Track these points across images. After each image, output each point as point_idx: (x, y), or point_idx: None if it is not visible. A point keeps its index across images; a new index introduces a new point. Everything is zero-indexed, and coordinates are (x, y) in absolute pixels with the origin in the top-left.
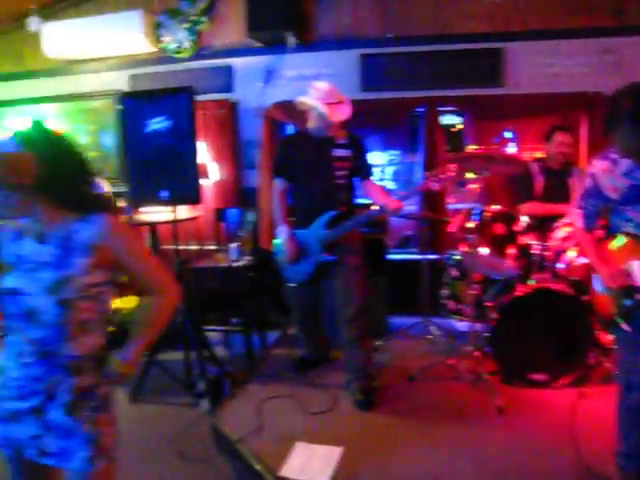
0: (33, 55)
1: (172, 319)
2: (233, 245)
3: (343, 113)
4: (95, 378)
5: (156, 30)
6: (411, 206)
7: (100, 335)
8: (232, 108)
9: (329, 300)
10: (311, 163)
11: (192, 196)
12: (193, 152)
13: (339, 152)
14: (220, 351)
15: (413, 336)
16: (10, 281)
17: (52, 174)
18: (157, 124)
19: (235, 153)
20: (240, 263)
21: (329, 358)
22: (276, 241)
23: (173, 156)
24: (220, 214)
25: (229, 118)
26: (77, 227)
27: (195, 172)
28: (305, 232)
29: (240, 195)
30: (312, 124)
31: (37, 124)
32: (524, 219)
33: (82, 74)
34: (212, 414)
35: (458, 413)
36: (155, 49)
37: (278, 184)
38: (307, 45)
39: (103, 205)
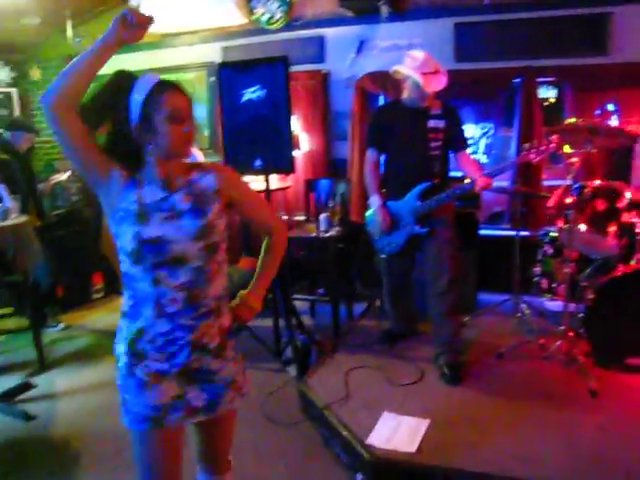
0: None
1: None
2: (322, 216)
3: (439, 83)
4: (230, 318)
5: (248, 2)
6: (503, 181)
7: (224, 275)
8: (323, 79)
9: (420, 273)
10: (405, 134)
11: (286, 165)
12: (287, 121)
13: (434, 123)
14: (306, 320)
15: (502, 313)
16: (152, 230)
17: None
18: (252, 94)
19: (326, 124)
20: (329, 234)
21: (416, 331)
22: (368, 212)
23: (268, 125)
24: (310, 185)
25: (320, 89)
26: (196, 176)
27: (289, 141)
28: (398, 203)
29: (330, 166)
30: (407, 94)
31: None
32: (628, 195)
33: (177, 47)
34: (299, 381)
35: (548, 394)
36: (247, 21)
37: (371, 154)
38: (400, 14)
39: None
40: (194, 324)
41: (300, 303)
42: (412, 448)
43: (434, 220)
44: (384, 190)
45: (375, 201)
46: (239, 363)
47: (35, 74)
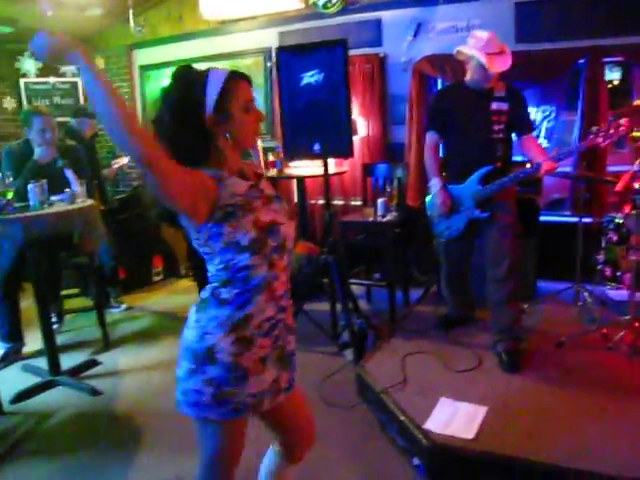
0: (191, 18)
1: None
2: (380, 200)
3: (504, 64)
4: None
5: None
6: (566, 167)
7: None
8: (380, 62)
9: (479, 258)
10: (467, 116)
11: (344, 150)
12: (346, 105)
13: (497, 105)
14: (363, 305)
15: (562, 302)
16: (265, 215)
17: None
18: (310, 78)
19: (383, 108)
20: (386, 218)
21: (474, 318)
22: (428, 196)
23: (326, 109)
24: (367, 169)
25: (377, 73)
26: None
27: (348, 125)
28: (458, 187)
29: (387, 150)
30: (470, 75)
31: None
32: None
33: (234, 33)
34: (356, 364)
35: (611, 386)
36: (304, 5)
37: (430, 138)
38: None
39: None
40: (286, 305)
41: (357, 288)
42: (470, 435)
43: (495, 205)
44: (444, 174)
45: (435, 184)
46: None
47: (99, 64)
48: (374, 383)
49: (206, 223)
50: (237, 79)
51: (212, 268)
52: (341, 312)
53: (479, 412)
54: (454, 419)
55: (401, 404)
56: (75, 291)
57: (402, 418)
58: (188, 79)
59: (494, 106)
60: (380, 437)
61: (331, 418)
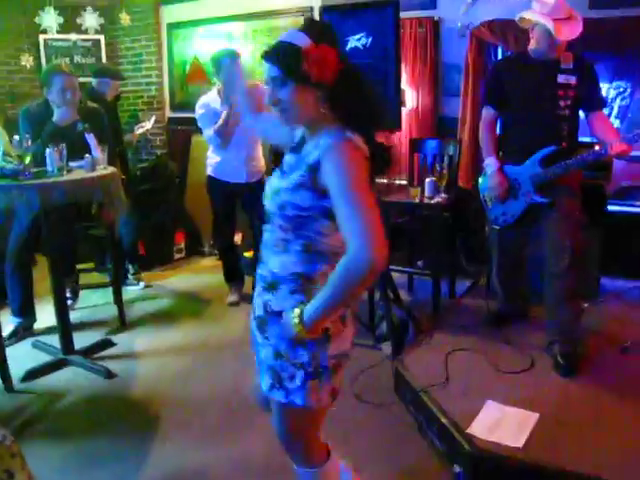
0: None
1: (362, 290)
2: (428, 180)
3: (573, 31)
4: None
5: None
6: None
7: (300, 263)
8: (434, 27)
9: (536, 248)
10: (530, 90)
11: (392, 122)
12: (396, 73)
13: (564, 78)
14: (404, 295)
15: (629, 302)
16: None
17: (348, 77)
18: (357, 41)
19: (434, 78)
20: (434, 200)
21: (527, 314)
22: (481, 177)
23: (373, 77)
24: (415, 145)
25: (430, 38)
26: (317, 141)
27: (397, 95)
28: (517, 168)
29: (438, 125)
30: (534, 44)
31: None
32: None
33: None
34: (394, 359)
35: None
36: None
37: (487, 113)
38: None
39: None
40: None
41: (397, 275)
42: (518, 443)
43: (557, 190)
44: (501, 153)
45: (491, 164)
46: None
47: (125, 20)
48: (413, 380)
49: None
50: None
51: None
52: (379, 301)
53: (529, 419)
54: (501, 425)
55: (442, 405)
56: (91, 265)
57: (443, 420)
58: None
59: (560, 79)
60: (417, 440)
61: (364, 416)
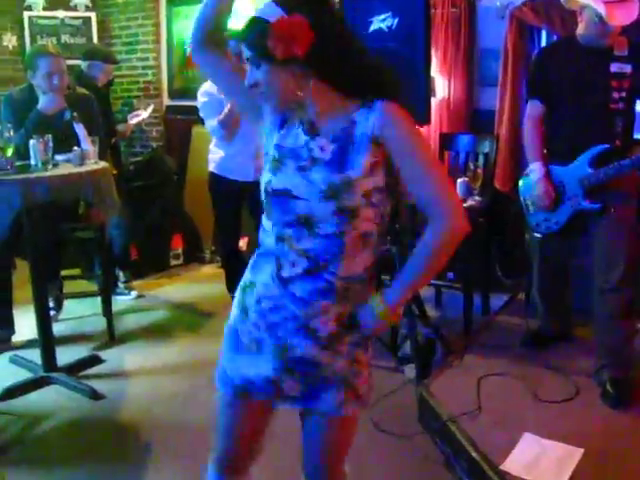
0: None
1: (450, 258)
2: (460, 180)
3: (628, 15)
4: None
5: None
6: None
7: (372, 254)
8: (469, 7)
9: (584, 260)
10: (578, 80)
11: (421, 114)
12: (425, 58)
13: (618, 67)
14: (431, 311)
15: None
16: (280, 180)
17: (327, 44)
18: (382, 22)
19: (469, 65)
20: (467, 204)
21: (572, 335)
22: (522, 179)
23: (399, 63)
24: (446, 141)
25: (465, 19)
26: (357, 116)
27: (426, 84)
28: (563, 169)
29: (472, 118)
30: (582, 30)
31: None
32: None
33: None
34: (419, 384)
35: None
36: None
37: (534, 107)
38: None
39: (388, 86)
40: (305, 298)
41: (424, 289)
42: None
43: (610, 194)
44: (545, 151)
45: (537, 170)
46: (361, 365)
47: None
48: (440, 408)
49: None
50: None
51: None
52: (402, 317)
53: (573, 455)
54: (540, 461)
55: (473, 437)
56: (77, 272)
57: (473, 454)
58: None
59: (614, 68)
60: (444, 476)
61: (383, 447)
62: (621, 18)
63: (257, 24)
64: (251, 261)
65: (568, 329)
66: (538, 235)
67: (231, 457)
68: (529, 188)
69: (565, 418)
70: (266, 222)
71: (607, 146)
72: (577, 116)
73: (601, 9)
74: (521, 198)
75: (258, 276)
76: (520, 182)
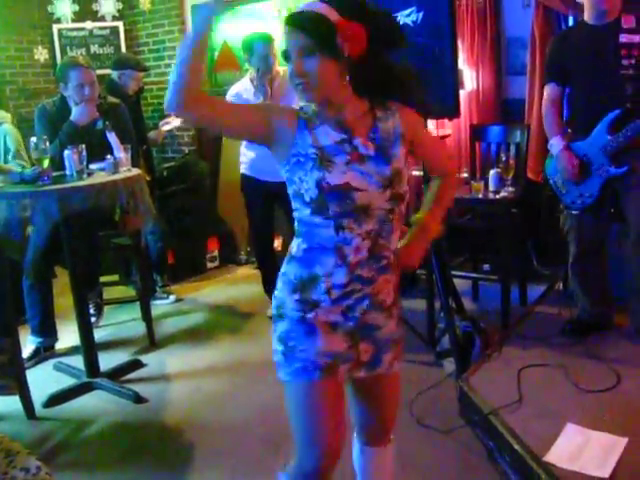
0: None
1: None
2: (492, 172)
3: None
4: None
5: None
6: None
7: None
8: None
9: (619, 244)
10: (590, 56)
11: (449, 108)
12: (452, 51)
13: (626, 37)
14: (468, 304)
15: None
16: (336, 176)
17: (377, 52)
18: (407, 17)
19: (497, 55)
20: (500, 195)
21: (612, 322)
22: (547, 160)
23: (426, 57)
24: (476, 132)
25: (490, 9)
26: (383, 115)
27: (454, 77)
28: (583, 143)
29: (502, 109)
30: (587, 8)
31: None
32: None
33: None
34: (458, 378)
35: None
36: None
37: (550, 91)
38: None
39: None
40: (370, 277)
41: (460, 281)
42: (604, 473)
43: (633, 155)
44: (569, 131)
45: (556, 144)
46: (401, 324)
47: (144, 3)
48: (481, 402)
49: (284, 165)
50: None
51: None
52: (440, 312)
53: (617, 444)
54: (584, 451)
55: (516, 429)
56: (115, 278)
57: (516, 447)
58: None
59: (623, 39)
60: (486, 469)
61: (425, 442)
62: None
63: (322, 18)
64: (298, 258)
65: (607, 317)
66: (575, 213)
67: (333, 445)
68: (554, 166)
69: (607, 407)
70: (315, 217)
71: (620, 110)
72: (590, 87)
73: None
74: (551, 182)
75: (319, 269)
76: (546, 164)
